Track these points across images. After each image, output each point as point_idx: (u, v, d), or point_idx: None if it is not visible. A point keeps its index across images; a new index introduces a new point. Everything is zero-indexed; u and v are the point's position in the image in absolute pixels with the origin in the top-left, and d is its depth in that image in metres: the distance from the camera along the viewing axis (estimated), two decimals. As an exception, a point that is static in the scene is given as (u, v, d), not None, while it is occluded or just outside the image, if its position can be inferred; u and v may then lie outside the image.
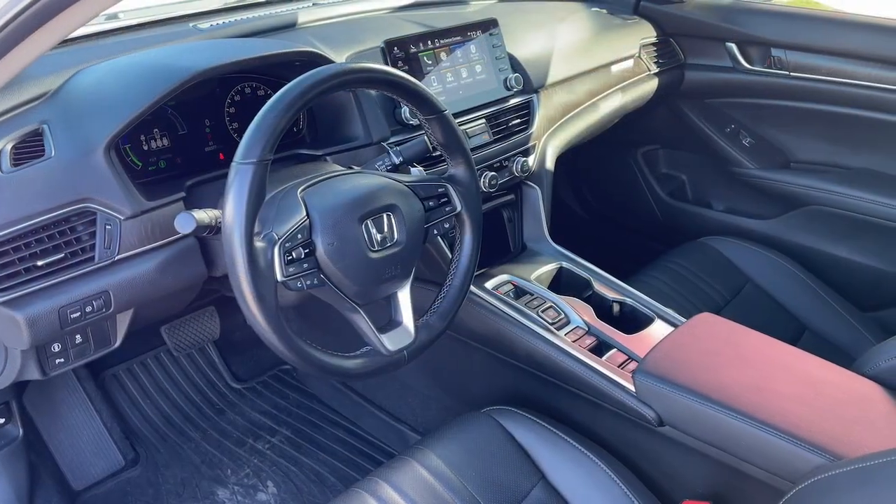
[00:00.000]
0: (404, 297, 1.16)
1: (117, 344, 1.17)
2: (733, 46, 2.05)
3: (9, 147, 1.03)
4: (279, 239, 0.99)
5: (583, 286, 1.58)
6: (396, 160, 1.28)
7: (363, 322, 1.10)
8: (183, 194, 1.15)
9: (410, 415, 1.75)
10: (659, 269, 1.86)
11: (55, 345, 1.09)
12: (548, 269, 1.60)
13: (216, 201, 1.18)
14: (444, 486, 1.24)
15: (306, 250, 1.02)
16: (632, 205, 2.40)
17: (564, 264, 1.62)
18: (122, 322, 1.15)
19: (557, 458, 1.30)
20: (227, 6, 1.68)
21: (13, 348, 1.06)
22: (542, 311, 1.46)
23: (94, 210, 1.04)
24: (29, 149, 1.04)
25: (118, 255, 1.07)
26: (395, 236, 1.11)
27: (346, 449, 1.73)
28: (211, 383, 1.86)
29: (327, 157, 1.34)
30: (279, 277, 0.99)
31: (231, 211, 0.95)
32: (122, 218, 1.06)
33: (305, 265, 1.02)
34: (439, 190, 1.19)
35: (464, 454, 1.29)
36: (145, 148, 1.25)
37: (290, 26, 1.56)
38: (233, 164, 0.96)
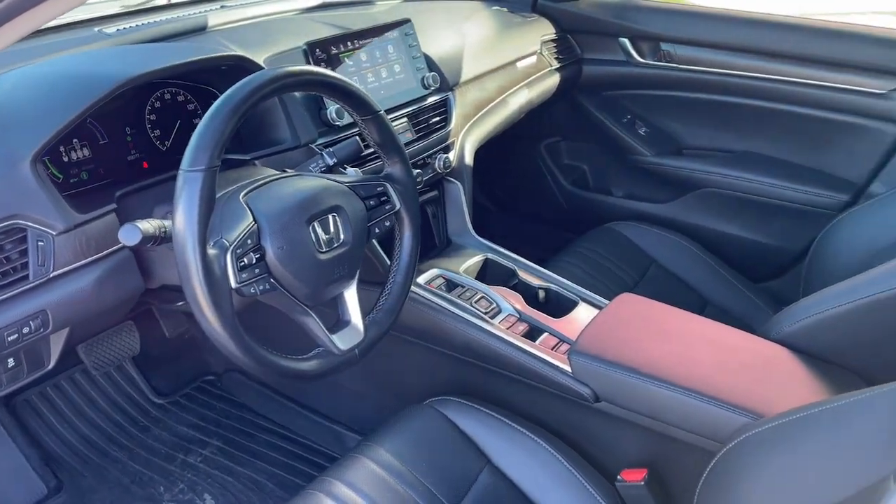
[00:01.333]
0: (351, 296, 1.18)
1: (51, 365, 1.12)
2: (626, 42, 2.17)
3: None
4: (230, 245, 0.99)
5: (508, 276, 1.64)
6: (330, 162, 1.29)
7: (314, 324, 1.10)
8: (114, 205, 1.12)
9: (345, 414, 1.76)
10: (571, 255, 1.95)
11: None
12: (474, 261, 1.65)
13: (149, 210, 1.16)
14: (398, 479, 1.26)
15: (257, 255, 1.02)
16: (538, 196, 2.49)
17: (489, 256, 1.67)
18: (57, 342, 1.11)
19: (501, 442, 1.36)
20: (129, 9, 1.62)
21: None
22: (475, 302, 1.51)
23: (23, 227, 1.00)
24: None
25: (53, 271, 1.02)
26: (342, 237, 1.12)
27: (282, 454, 1.72)
28: (132, 400, 1.79)
29: (255, 162, 1.33)
30: (233, 284, 0.98)
31: (182, 220, 0.93)
32: (54, 233, 1.02)
33: (257, 270, 1.02)
34: (378, 189, 1.21)
35: (412, 447, 1.32)
36: (66, 160, 1.20)
37: (200, 30, 1.53)
38: (181, 172, 0.94)
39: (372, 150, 1.34)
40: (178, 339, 1.89)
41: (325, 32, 1.54)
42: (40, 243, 1.01)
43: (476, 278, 1.62)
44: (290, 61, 1.42)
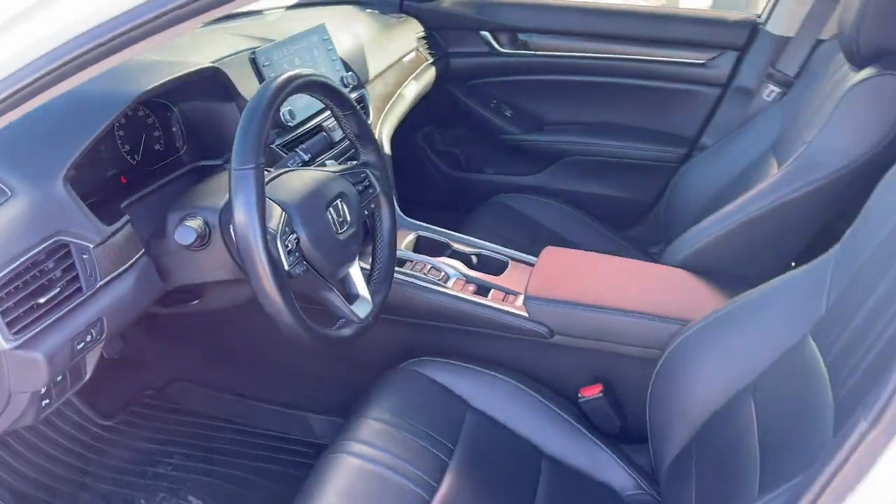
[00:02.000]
0: (356, 272, 1.32)
1: (87, 376, 1.16)
2: (487, 34, 2.44)
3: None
4: (276, 234, 1.10)
5: (443, 248, 1.83)
6: (306, 157, 1.41)
7: (337, 298, 1.24)
8: (128, 216, 1.17)
9: (308, 399, 1.86)
10: (471, 227, 2.17)
11: (42, 387, 1.06)
12: (409, 239, 1.83)
13: (159, 217, 1.22)
14: (401, 430, 1.42)
15: (295, 241, 1.14)
16: (422, 183, 2.70)
17: (421, 233, 1.86)
18: (94, 353, 1.15)
19: (475, 387, 1.56)
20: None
21: (23, 392, 1.01)
22: (427, 272, 1.69)
23: (66, 242, 1.04)
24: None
25: (100, 281, 1.07)
26: (349, 218, 1.26)
27: (253, 448, 1.79)
28: (81, 427, 1.76)
29: (226, 166, 1.42)
30: (286, 267, 1.10)
31: (243, 215, 1.03)
32: (92, 246, 1.07)
33: (297, 254, 1.14)
34: (362, 175, 1.36)
35: (402, 403, 1.48)
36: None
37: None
38: (233, 171, 1.04)
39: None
40: (111, 361, 1.88)
41: (240, 44, 1.63)
42: (84, 256, 1.05)
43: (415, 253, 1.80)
44: (236, 66, 1.51)
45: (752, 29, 2.25)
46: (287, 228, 1.13)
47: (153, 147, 1.41)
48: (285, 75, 1.14)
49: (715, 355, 1.37)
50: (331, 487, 1.28)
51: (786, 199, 1.63)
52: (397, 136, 2.64)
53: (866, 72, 1.56)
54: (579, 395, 1.59)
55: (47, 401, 1.07)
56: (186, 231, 1.11)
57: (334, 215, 1.22)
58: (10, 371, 0.97)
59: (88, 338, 1.04)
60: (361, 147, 1.38)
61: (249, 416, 1.88)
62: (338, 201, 1.24)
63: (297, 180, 1.22)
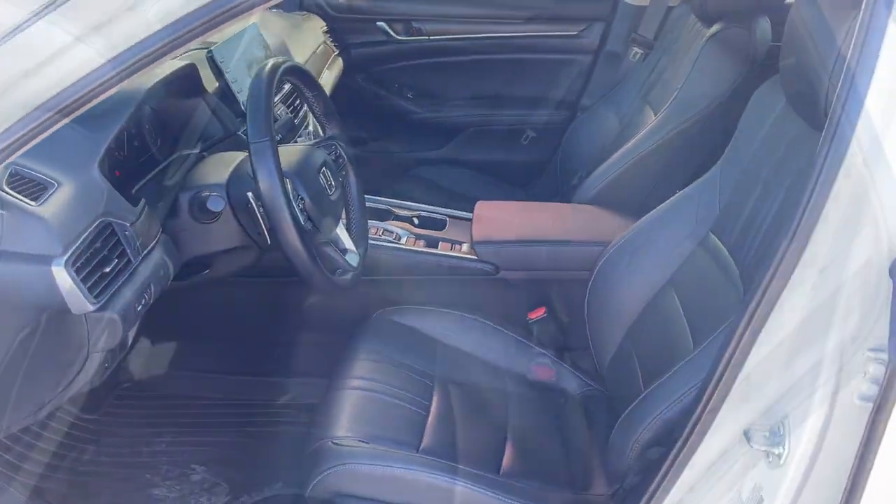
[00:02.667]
0: (341, 229, 1.53)
1: (128, 345, 1.30)
2: (384, 24, 2.67)
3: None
4: (291, 197, 1.29)
5: (385, 214, 2.06)
6: (278, 137, 1.59)
7: (334, 251, 1.44)
8: (145, 200, 1.32)
9: (287, 366, 2.03)
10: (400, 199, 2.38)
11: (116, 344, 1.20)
12: (356, 210, 2.04)
13: (163, 200, 1.37)
14: (392, 364, 1.64)
15: (301, 203, 1.33)
16: None
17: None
18: (135, 326, 1.29)
19: (440, 325, 1.80)
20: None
21: (98, 352, 1.14)
22: (381, 235, 1.91)
23: (110, 222, 1.18)
24: (24, 185, 1.12)
25: (143, 253, 1.22)
26: (332, 182, 1.46)
27: (243, 417, 1.94)
28: (68, 423, 1.85)
29: (204, 153, 1.58)
30: (305, 226, 1.29)
31: (267, 181, 1.22)
32: (129, 224, 1.22)
33: (306, 214, 1.33)
34: (332, 147, 1.56)
35: (383, 344, 1.70)
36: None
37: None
38: (252, 143, 1.23)
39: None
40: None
41: (192, 44, 1.78)
42: (126, 233, 1.20)
43: (363, 221, 2.01)
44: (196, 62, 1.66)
45: (615, 2, 2.61)
46: (294, 192, 1.32)
47: (133, 143, 1.54)
48: (272, 62, 1.34)
49: (635, 264, 1.68)
50: (343, 415, 1.49)
51: (667, 137, 1.98)
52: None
53: (715, 27, 1.94)
54: (528, 318, 1.87)
55: (107, 364, 1.21)
56: (216, 201, 1.28)
57: (323, 180, 1.43)
58: (91, 331, 1.10)
59: (143, 301, 1.19)
60: (328, 123, 1.59)
61: (233, 390, 2.02)
62: (323, 168, 1.44)
63: (291, 153, 1.41)
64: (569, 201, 2.11)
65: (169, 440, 1.87)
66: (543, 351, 1.78)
